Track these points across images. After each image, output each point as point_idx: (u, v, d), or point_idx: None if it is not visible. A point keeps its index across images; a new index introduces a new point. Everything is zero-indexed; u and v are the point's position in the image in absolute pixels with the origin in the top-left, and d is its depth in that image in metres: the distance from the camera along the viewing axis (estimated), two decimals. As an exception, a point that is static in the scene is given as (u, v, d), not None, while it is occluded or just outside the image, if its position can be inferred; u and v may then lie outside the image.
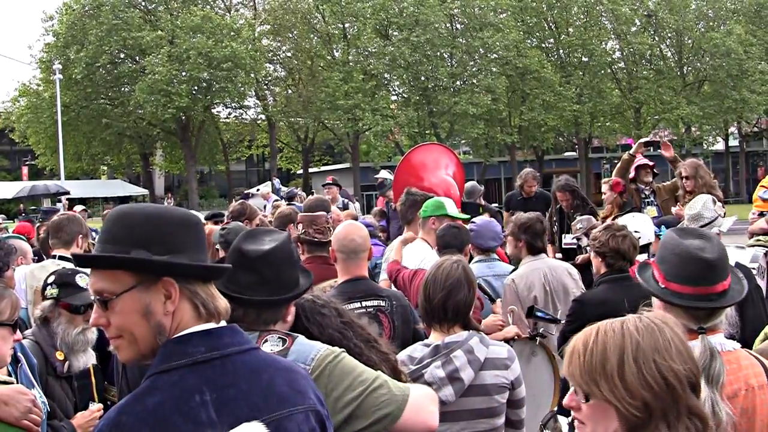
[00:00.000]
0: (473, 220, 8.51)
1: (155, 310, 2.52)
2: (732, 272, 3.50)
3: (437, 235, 7.13)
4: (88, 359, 5.56)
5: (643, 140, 11.82)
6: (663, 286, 3.46)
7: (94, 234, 13.10)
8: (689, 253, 3.42)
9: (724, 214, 8.50)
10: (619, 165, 11.67)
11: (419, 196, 8.13)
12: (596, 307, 5.64)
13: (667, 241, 3.60)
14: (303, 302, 3.60)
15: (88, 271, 7.16)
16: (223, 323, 2.63)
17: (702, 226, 7.35)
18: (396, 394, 3.22)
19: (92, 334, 5.52)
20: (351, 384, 3.20)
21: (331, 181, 16.78)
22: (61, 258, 7.36)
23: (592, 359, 2.42)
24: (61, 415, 5.05)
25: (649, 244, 7.88)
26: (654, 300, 3.56)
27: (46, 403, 4.70)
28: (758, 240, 8.35)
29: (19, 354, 4.64)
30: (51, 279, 5.55)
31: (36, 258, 9.32)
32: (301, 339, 3.37)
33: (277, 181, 23.97)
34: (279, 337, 3.35)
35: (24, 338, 5.51)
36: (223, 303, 2.64)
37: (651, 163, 11.69)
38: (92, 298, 5.41)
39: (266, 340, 3.33)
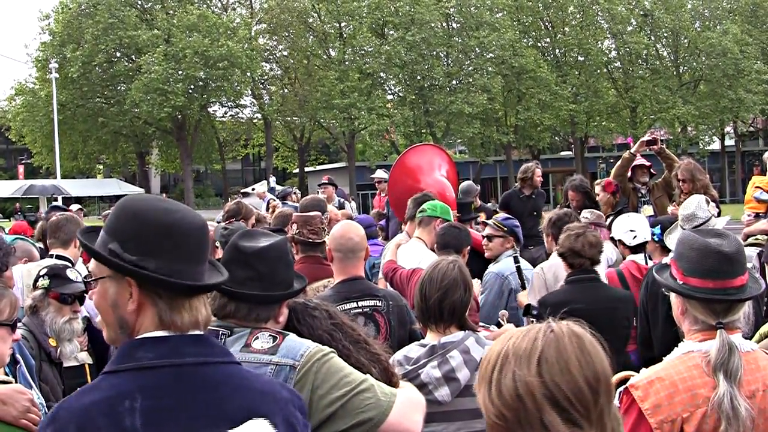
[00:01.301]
0: (509, 216, 8.79)
1: (120, 305, 2.54)
2: (749, 270, 3.52)
3: (438, 234, 7.20)
4: (74, 348, 5.69)
5: (644, 138, 11.83)
6: (682, 282, 3.46)
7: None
8: (708, 247, 3.44)
9: (718, 213, 8.53)
10: (618, 164, 11.68)
11: (428, 200, 8.23)
12: (555, 308, 5.67)
13: (684, 238, 3.61)
14: (295, 305, 3.62)
15: (78, 266, 7.26)
16: (197, 332, 2.58)
17: (696, 227, 7.38)
18: (381, 399, 3.22)
19: (78, 324, 5.75)
20: (337, 383, 3.20)
21: (326, 181, 16.79)
22: (59, 257, 7.39)
23: (481, 367, 2.40)
24: (53, 399, 5.13)
25: (646, 242, 7.90)
26: (672, 298, 3.59)
27: (44, 404, 4.72)
28: (757, 239, 8.39)
29: (18, 355, 4.67)
30: (44, 271, 5.78)
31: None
32: (292, 336, 3.39)
33: (273, 179, 24.04)
34: (270, 335, 3.36)
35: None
36: (186, 317, 2.55)
37: (648, 164, 11.72)
38: (81, 289, 5.57)
39: (257, 337, 3.35)
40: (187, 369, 2.49)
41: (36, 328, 5.56)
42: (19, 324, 5.59)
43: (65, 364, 5.77)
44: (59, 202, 38.95)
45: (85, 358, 6.21)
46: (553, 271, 7.32)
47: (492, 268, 8.06)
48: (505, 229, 8.27)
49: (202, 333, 2.60)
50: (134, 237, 2.54)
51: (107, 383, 2.48)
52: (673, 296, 3.59)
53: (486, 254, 8.35)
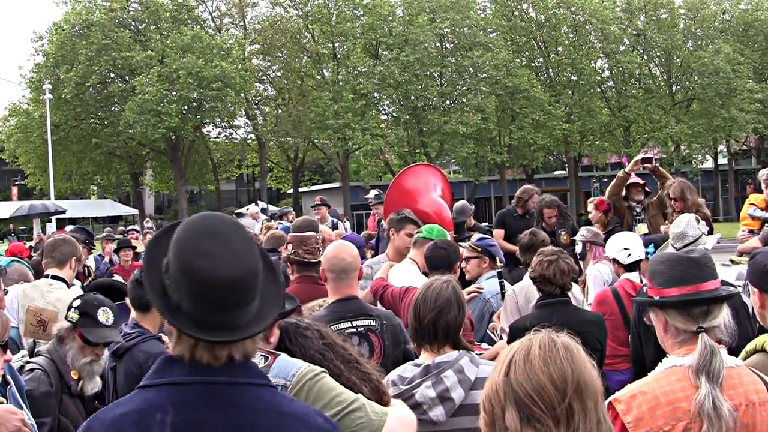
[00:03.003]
0: (485, 236, 8.84)
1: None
2: (721, 279, 3.61)
3: (425, 255, 7.18)
4: (95, 385, 5.65)
5: (638, 157, 11.89)
6: (658, 297, 3.56)
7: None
8: (677, 256, 3.63)
9: (710, 231, 8.55)
10: (613, 182, 11.74)
11: (400, 215, 8.22)
12: (522, 333, 5.69)
13: (654, 258, 3.78)
14: (286, 325, 3.62)
15: (75, 288, 7.20)
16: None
17: (686, 245, 7.41)
18: (373, 418, 3.23)
19: (99, 367, 5.64)
20: (329, 403, 3.21)
21: (319, 202, 16.75)
22: (54, 277, 7.39)
23: None
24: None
25: (640, 261, 7.92)
26: (654, 320, 3.66)
27: (35, 424, 4.71)
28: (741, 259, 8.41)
29: (8, 376, 4.65)
30: (77, 303, 5.63)
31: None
32: (283, 356, 3.40)
33: (262, 204, 24.30)
34: (261, 355, 3.37)
35: (39, 355, 5.57)
36: (212, 354, 2.54)
37: (642, 182, 11.77)
38: (106, 339, 5.51)
39: None
40: (218, 387, 2.50)
41: (59, 359, 5.51)
42: (41, 351, 5.59)
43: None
44: (53, 224, 38.88)
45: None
46: (525, 293, 7.32)
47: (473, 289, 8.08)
48: (479, 249, 8.28)
49: (247, 354, 2.60)
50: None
51: (141, 397, 2.51)
52: (653, 317, 3.67)
53: (466, 276, 8.37)
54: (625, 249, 7.96)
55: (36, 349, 5.77)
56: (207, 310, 2.48)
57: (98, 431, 2.48)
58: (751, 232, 10.25)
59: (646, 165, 11.67)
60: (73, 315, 5.56)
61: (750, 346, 4.17)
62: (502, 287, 7.86)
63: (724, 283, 3.71)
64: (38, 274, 8.03)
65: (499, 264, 8.36)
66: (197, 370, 2.51)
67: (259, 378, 2.61)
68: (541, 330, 2.52)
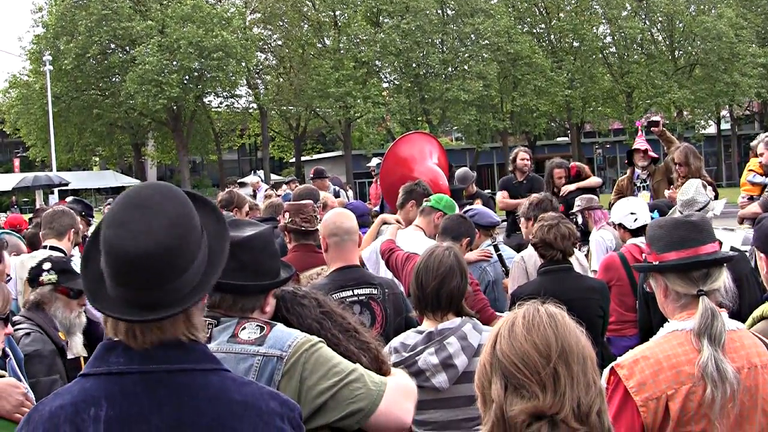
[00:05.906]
0: (472, 207, 8.79)
1: None
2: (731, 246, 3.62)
3: (442, 223, 7.22)
4: (80, 340, 5.69)
5: (644, 120, 11.96)
6: (658, 261, 3.55)
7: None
8: (675, 220, 3.65)
9: (715, 196, 8.51)
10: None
11: (420, 188, 8.22)
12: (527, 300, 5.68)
13: (652, 223, 3.81)
14: (284, 293, 3.56)
15: (75, 258, 7.17)
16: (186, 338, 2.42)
17: (696, 211, 7.35)
18: (371, 388, 3.18)
19: (84, 317, 5.68)
20: (326, 374, 3.15)
21: (313, 175, 16.43)
22: (53, 248, 7.37)
23: None
24: None
25: (646, 225, 7.86)
26: (654, 287, 3.64)
27: (34, 398, 4.68)
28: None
29: (7, 348, 4.61)
30: (47, 266, 5.67)
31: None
32: (279, 326, 3.33)
33: (260, 172, 24.38)
34: (257, 325, 3.32)
35: (20, 324, 5.53)
36: (152, 335, 2.38)
37: (644, 147, 11.72)
38: None
39: (244, 327, 3.30)
40: (158, 376, 2.36)
41: (46, 323, 5.50)
42: (17, 321, 5.55)
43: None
44: (55, 195, 38.92)
45: (81, 350, 6.14)
46: (534, 260, 7.27)
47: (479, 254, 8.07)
48: None
49: (180, 338, 2.43)
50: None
51: (79, 387, 2.40)
52: (653, 283, 3.66)
53: None
54: (632, 213, 7.90)
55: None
56: (118, 286, 2.34)
57: (37, 425, 2.37)
58: (751, 198, 10.20)
59: (653, 129, 11.66)
60: (51, 277, 5.60)
61: (756, 312, 4.14)
62: (500, 255, 7.84)
63: (732, 249, 3.69)
64: (33, 245, 7.98)
65: (494, 232, 8.35)
66: (134, 357, 2.37)
67: (205, 362, 2.45)
68: (526, 302, 2.50)
